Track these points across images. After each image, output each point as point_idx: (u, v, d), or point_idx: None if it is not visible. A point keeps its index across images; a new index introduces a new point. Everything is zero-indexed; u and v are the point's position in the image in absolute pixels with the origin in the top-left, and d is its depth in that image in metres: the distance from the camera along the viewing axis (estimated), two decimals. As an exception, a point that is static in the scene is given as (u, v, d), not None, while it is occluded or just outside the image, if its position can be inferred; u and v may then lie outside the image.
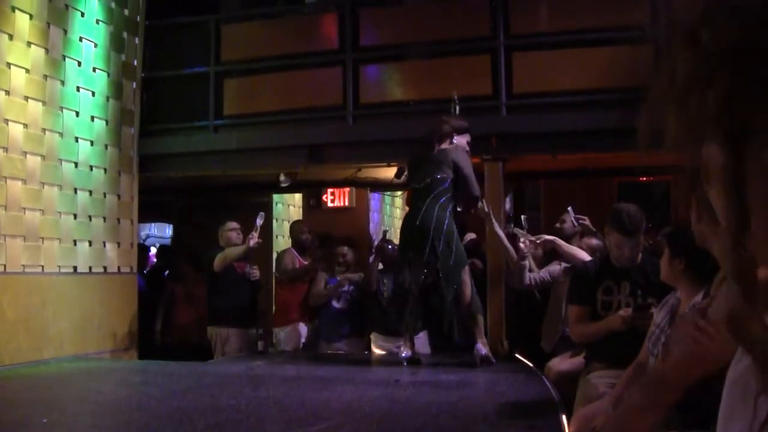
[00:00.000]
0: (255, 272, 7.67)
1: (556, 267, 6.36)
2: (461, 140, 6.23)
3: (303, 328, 7.70)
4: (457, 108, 6.95)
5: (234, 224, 7.71)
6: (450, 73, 7.45)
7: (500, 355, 6.61)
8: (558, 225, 6.64)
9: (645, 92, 0.93)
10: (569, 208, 6.56)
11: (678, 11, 0.84)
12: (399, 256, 6.16)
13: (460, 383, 5.18)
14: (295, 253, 7.89)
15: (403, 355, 6.01)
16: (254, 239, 7.04)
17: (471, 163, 6.13)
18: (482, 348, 5.89)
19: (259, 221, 7.13)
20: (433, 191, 5.91)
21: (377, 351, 7.26)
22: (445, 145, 6.13)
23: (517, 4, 7.43)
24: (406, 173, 6.22)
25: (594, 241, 6.13)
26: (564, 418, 3.84)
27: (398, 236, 6.37)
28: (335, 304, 7.52)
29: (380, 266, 7.63)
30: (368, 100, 7.68)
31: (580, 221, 6.51)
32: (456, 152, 6.10)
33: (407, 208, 10.84)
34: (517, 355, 6.50)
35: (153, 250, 11.26)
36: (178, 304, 8.34)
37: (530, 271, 6.34)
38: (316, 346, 7.69)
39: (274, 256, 9.50)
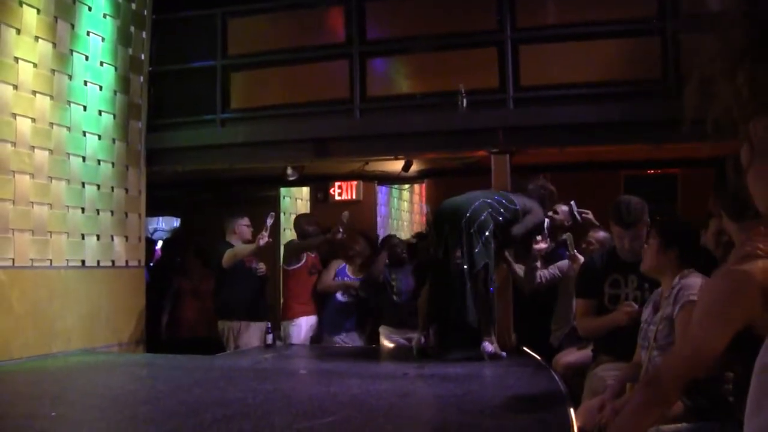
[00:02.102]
0: (261, 268, 7.72)
1: (565, 262, 6.37)
2: (539, 212, 6.31)
3: (310, 321, 7.72)
4: (464, 101, 6.96)
5: (246, 220, 7.77)
6: (457, 66, 7.45)
7: (507, 348, 6.62)
8: (550, 214, 6.60)
9: (692, 70, 0.94)
10: (572, 202, 6.55)
11: None
12: (433, 233, 6.15)
13: (468, 376, 5.19)
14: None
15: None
16: (264, 239, 7.10)
17: (531, 229, 6.27)
18: (489, 345, 5.90)
19: (269, 221, 7.19)
20: (490, 198, 6.07)
21: (386, 343, 7.27)
22: (533, 199, 6.31)
23: (524, -3, 7.42)
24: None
25: (601, 234, 6.13)
26: (571, 410, 3.84)
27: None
28: (339, 297, 7.55)
29: (386, 261, 7.65)
30: (375, 94, 7.68)
31: (583, 215, 6.49)
32: (534, 210, 6.26)
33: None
34: (524, 349, 6.49)
35: (160, 244, 11.26)
36: (184, 298, 8.37)
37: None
38: (322, 340, 7.72)
39: (282, 250, 9.52)
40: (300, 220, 8.37)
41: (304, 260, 7.77)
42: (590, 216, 6.47)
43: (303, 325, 7.65)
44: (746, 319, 2.29)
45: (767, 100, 0.79)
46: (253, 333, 7.60)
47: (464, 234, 5.80)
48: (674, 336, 3.36)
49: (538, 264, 6.40)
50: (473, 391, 4.61)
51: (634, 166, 9.43)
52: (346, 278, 7.62)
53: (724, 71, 0.85)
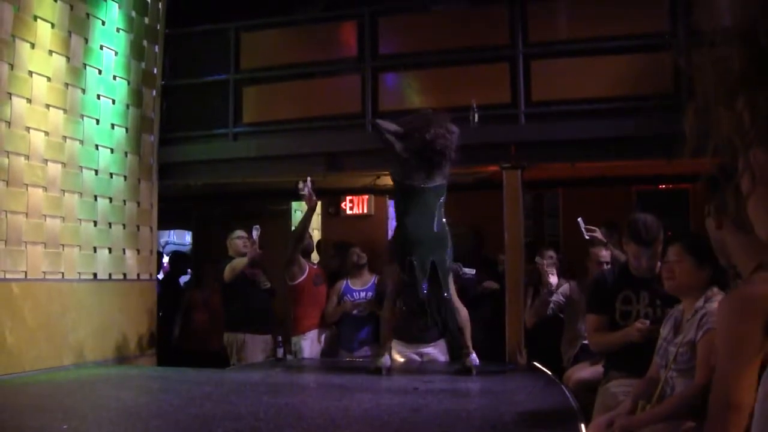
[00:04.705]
0: (266, 282, 7.71)
1: (565, 286, 6.39)
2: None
3: (321, 335, 7.69)
4: (476, 116, 6.96)
5: (241, 233, 7.75)
6: (469, 82, 7.46)
7: (519, 365, 6.63)
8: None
9: (693, 95, 0.93)
10: (579, 219, 6.52)
11: (735, 11, 0.84)
12: (409, 261, 5.84)
13: (479, 391, 5.18)
14: (302, 259, 7.79)
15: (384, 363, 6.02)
16: (254, 251, 7.11)
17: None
18: (476, 358, 5.94)
19: (255, 233, 7.21)
20: (441, 196, 5.99)
21: (397, 358, 7.22)
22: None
23: (536, 13, 7.42)
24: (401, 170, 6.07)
25: (603, 252, 6.12)
26: (583, 426, 3.82)
27: (399, 239, 6.05)
28: (354, 312, 7.51)
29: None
30: (387, 108, 7.68)
31: (590, 233, 6.46)
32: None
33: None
34: (536, 364, 6.47)
35: (166, 258, 11.27)
36: (196, 310, 8.38)
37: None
38: (335, 353, 7.68)
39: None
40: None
41: (306, 272, 7.66)
42: (597, 234, 6.44)
43: (314, 339, 7.61)
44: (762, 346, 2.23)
45: (767, 127, 0.79)
46: (257, 346, 7.59)
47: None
48: (696, 361, 3.33)
49: (552, 298, 6.42)
50: (484, 406, 4.60)
51: (646, 182, 9.40)
52: (354, 294, 7.56)
53: (723, 98, 0.85)
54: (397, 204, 6.19)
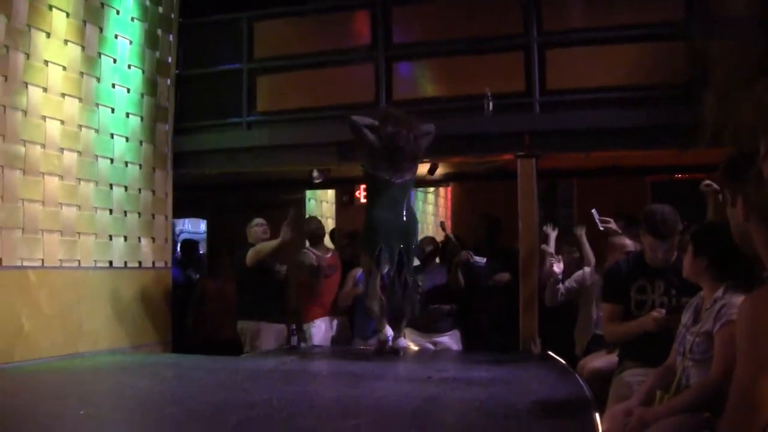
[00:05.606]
0: (282, 269, 7.69)
1: (580, 273, 6.36)
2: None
3: (329, 323, 7.69)
4: (491, 105, 6.95)
5: (260, 220, 7.69)
6: (483, 70, 7.44)
7: (533, 354, 6.63)
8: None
9: (710, 83, 0.94)
10: (593, 211, 6.48)
11: None
12: (380, 249, 6.22)
13: (492, 380, 5.17)
14: (312, 250, 7.78)
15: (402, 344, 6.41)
16: (288, 235, 7.05)
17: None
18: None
19: (291, 216, 7.18)
20: (409, 189, 6.40)
21: (411, 346, 7.21)
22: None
23: (550, 1, 7.38)
24: (375, 162, 6.32)
25: (627, 242, 6.05)
26: (597, 416, 3.82)
27: (369, 228, 6.40)
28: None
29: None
30: (400, 98, 7.66)
31: (604, 224, 6.42)
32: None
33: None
34: (550, 353, 6.47)
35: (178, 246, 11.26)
36: (209, 299, 8.38)
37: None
38: (347, 340, 7.69)
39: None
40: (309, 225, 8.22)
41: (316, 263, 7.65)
42: (611, 225, 6.40)
43: (324, 326, 7.62)
44: None
45: None
46: (270, 334, 7.55)
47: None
48: (711, 351, 3.31)
49: (560, 286, 6.43)
50: (497, 395, 4.59)
51: (661, 171, 9.35)
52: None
53: (743, 82, 0.85)
54: (367, 194, 6.66)
